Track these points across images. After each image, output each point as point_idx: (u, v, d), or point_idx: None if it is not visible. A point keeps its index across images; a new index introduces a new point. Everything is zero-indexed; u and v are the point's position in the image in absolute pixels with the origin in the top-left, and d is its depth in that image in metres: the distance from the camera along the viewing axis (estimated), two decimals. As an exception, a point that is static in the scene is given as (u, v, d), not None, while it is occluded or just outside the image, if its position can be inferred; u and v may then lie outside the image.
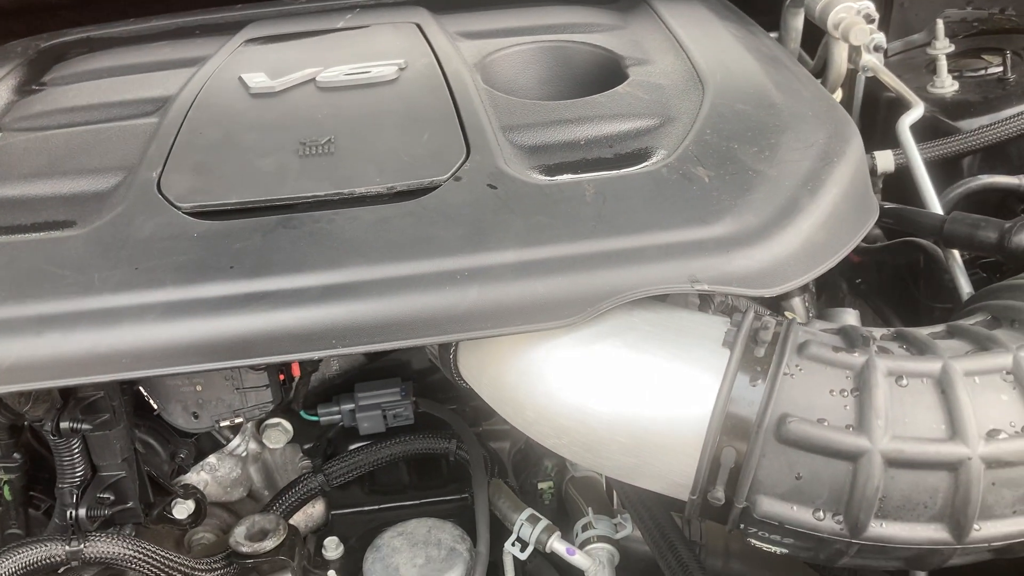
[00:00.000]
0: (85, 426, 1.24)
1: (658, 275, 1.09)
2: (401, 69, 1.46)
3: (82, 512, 1.28)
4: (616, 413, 1.08)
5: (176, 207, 1.20)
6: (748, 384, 1.03)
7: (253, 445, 1.56)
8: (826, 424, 1.00)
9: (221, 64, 1.54)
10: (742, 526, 1.06)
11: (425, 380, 1.59)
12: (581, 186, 1.19)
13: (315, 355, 1.09)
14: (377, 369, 1.59)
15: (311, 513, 1.57)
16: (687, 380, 1.06)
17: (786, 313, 1.48)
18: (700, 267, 1.09)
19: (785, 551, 1.08)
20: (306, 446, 1.60)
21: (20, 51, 1.79)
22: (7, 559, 1.23)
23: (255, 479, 1.60)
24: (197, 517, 1.45)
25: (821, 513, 1.01)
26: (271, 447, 1.55)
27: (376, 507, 1.57)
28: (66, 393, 1.27)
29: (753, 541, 1.09)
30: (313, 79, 1.44)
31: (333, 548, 1.45)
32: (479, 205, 1.17)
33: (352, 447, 1.55)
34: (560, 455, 1.20)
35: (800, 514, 1.02)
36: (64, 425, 1.23)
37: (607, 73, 1.50)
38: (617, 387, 1.08)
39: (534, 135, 1.31)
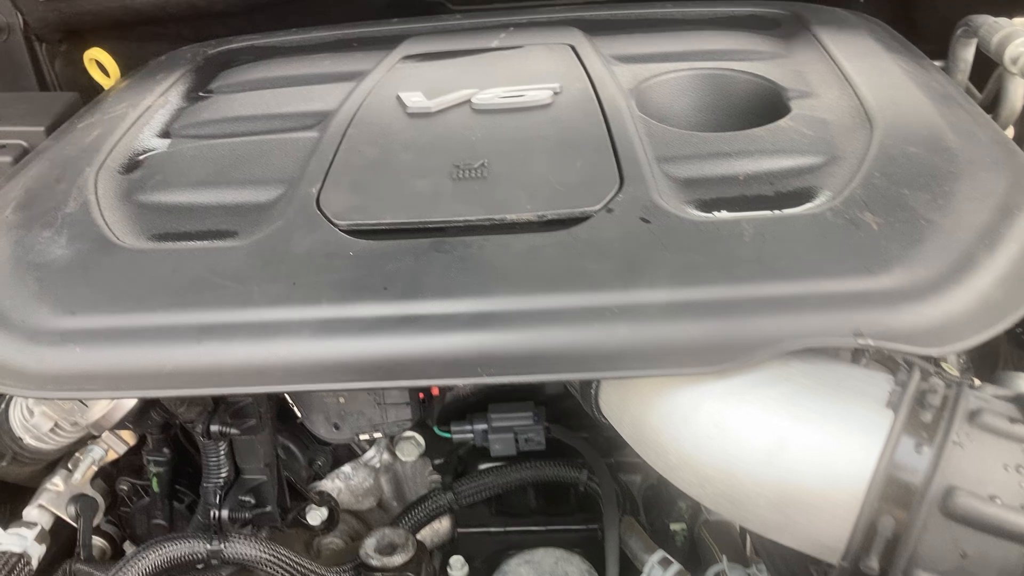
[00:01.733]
0: (233, 430, 1.29)
1: (819, 326, 1.04)
2: (556, 93, 1.45)
3: (224, 513, 1.33)
4: (766, 467, 1.03)
5: (334, 224, 1.22)
6: (913, 450, 0.97)
7: (386, 456, 1.59)
8: (999, 502, 0.93)
9: (379, 80, 1.57)
10: (895, 600, 1.00)
11: (559, 405, 1.57)
12: (740, 225, 1.15)
13: (460, 382, 1.10)
14: (511, 390, 1.59)
15: (438, 529, 1.58)
16: (846, 439, 1.01)
17: (942, 364, 1.40)
18: (865, 320, 1.04)
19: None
20: (437, 461, 1.61)
21: (189, 57, 1.87)
22: (154, 552, 1.29)
23: (385, 489, 1.62)
24: (330, 524, 1.48)
25: (987, 597, 0.94)
26: (403, 459, 1.57)
27: (502, 529, 1.56)
28: (217, 398, 1.31)
29: (905, 616, 1.03)
30: (468, 101, 1.45)
31: (459, 567, 1.46)
32: (631, 239, 1.14)
33: (482, 467, 1.56)
34: (701, 503, 1.16)
35: (963, 595, 0.95)
36: (214, 428, 1.28)
37: (768, 104, 1.45)
38: (769, 441, 1.04)
39: (691, 168, 1.27)
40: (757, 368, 1.05)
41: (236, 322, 1.11)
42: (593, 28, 1.76)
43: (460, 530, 1.58)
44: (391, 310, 1.10)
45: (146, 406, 1.30)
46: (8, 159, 1.72)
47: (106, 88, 2.03)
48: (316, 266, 1.16)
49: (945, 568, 0.95)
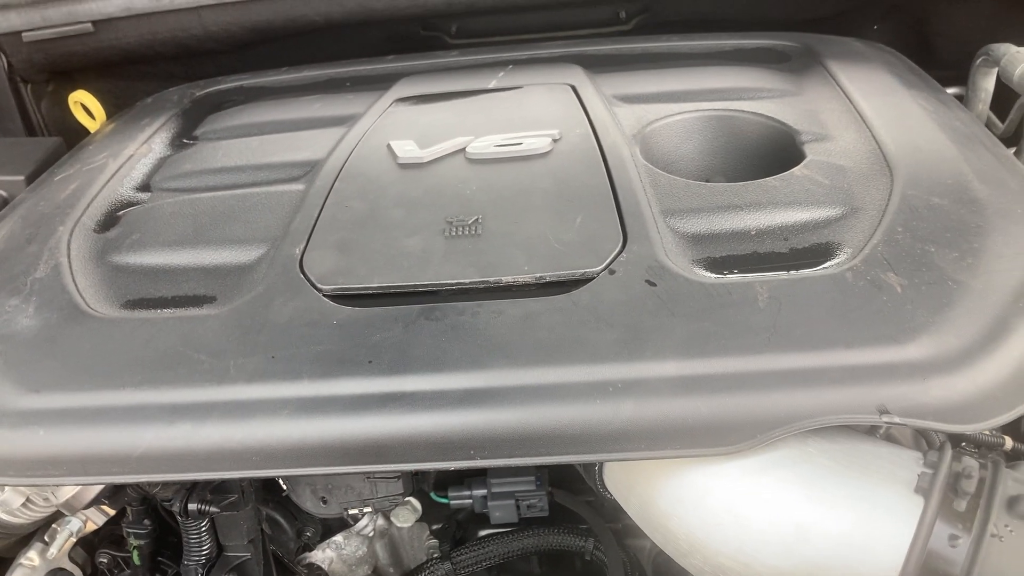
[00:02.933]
0: (213, 508, 1.20)
1: (841, 402, 0.95)
2: (555, 140, 1.37)
3: (210, 593, 1.24)
4: (786, 558, 0.95)
5: (317, 289, 1.14)
6: (947, 543, 0.89)
7: (381, 522, 1.50)
8: (1045, 604, 0.84)
9: (370, 127, 1.50)
10: None
11: (562, 469, 1.48)
12: (753, 288, 1.06)
13: (451, 465, 1.01)
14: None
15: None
16: (872, 529, 0.92)
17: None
18: (890, 395, 0.95)
19: None
20: (434, 527, 1.52)
21: (176, 100, 1.80)
22: (129, 639, 1.21)
23: (380, 556, 1.53)
24: (322, 596, 1.39)
25: None
26: (399, 525, 1.48)
27: (503, 602, 1.48)
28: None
29: None
30: (463, 150, 1.37)
31: (457, 642, 1.37)
32: (636, 304, 1.06)
33: (482, 533, 1.47)
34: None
35: None
36: (192, 507, 1.20)
37: (780, 149, 1.37)
38: (788, 528, 0.95)
39: (699, 223, 1.19)
40: (773, 448, 0.97)
41: (211, 401, 1.03)
42: (595, 64, 1.69)
43: (460, 600, 1.49)
44: (376, 387, 1.02)
45: (121, 485, 1.22)
46: (-16, 210, 1.65)
47: (92, 130, 1.97)
48: (297, 337, 1.08)
49: (986, 677, 0.86)
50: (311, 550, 1.44)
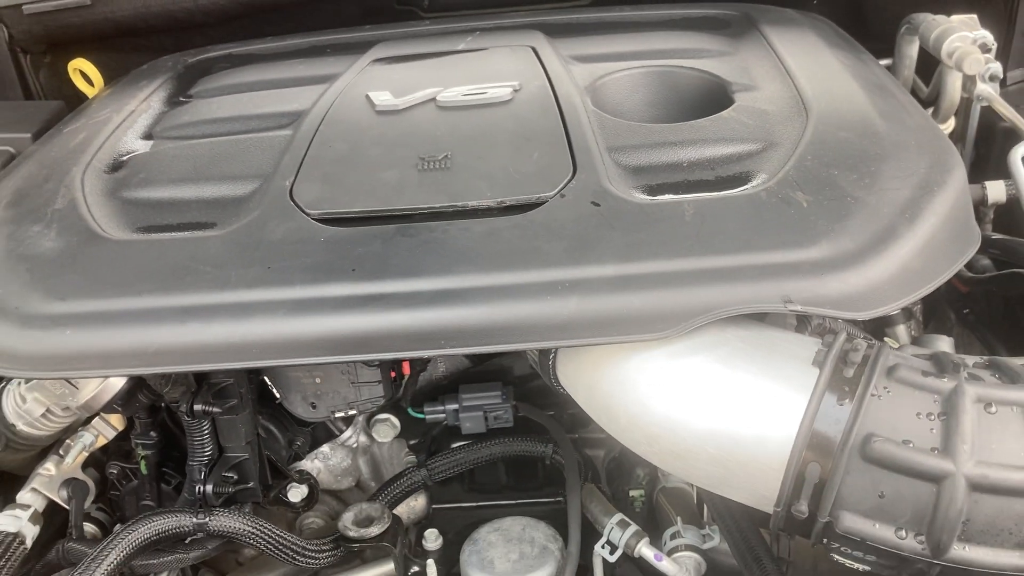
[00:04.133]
0: (215, 409, 1.37)
1: (752, 294, 1.14)
2: (515, 91, 1.55)
3: (209, 488, 1.41)
4: (706, 425, 1.13)
5: (306, 213, 1.31)
6: (835, 403, 1.07)
7: (363, 438, 1.67)
8: (911, 446, 1.02)
9: (350, 82, 1.66)
10: (825, 540, 1.10)
11: (525, 386, 1.66)
12: (681, 206, 1.24)
13: (425, 354, 1.18)
14: (480, 373, 1.68)
15: (413, 506, 1.66)
16: (775, 396, 1.10)
17: (887, 340, 1.49)
18: (794, 288, 1.13)
19: (868, 568, 1.11)
20: (411, 442, 1.69)
21: (170, 65, 1.95)
22: (143, 526, 1.37)
23: (363, 470, 1.70)
24: (309, 502, 1.56)
25: (903, 532, 1.03)
26: (380, 441, 1.65)
27: (474, 504, 1.65)
28: (200, 379, 1.39)
29: (836, 557, 1.12)
30: (434, 99, 1.54)
31: (433, 539, 1.54)
32: (582, 221, 1.24)
33: (454, 445, 1.64)
34: (651, 462, 1.25)
35: (882, 532, 1.04)
36: (197, 408, 1.36)
37: (713, 98, 1.55)
38: (707, 400, 1.13)
39: (638, 156, 1.37)
40: (695, 335, 1.15)
41: (216, 303, 1.19)
42: (555, 31, 1.86)
43: (435, 506, 1.66)
44: (359, 290, 1.19)
45: (133, 388, 1.38)
46: (-3, 164, 1.81)
47: (90, 96, 2.11)
48: (289, 251, 1.25)
49: (865, 508, 1.04)
50: (300, 459, 1.60)
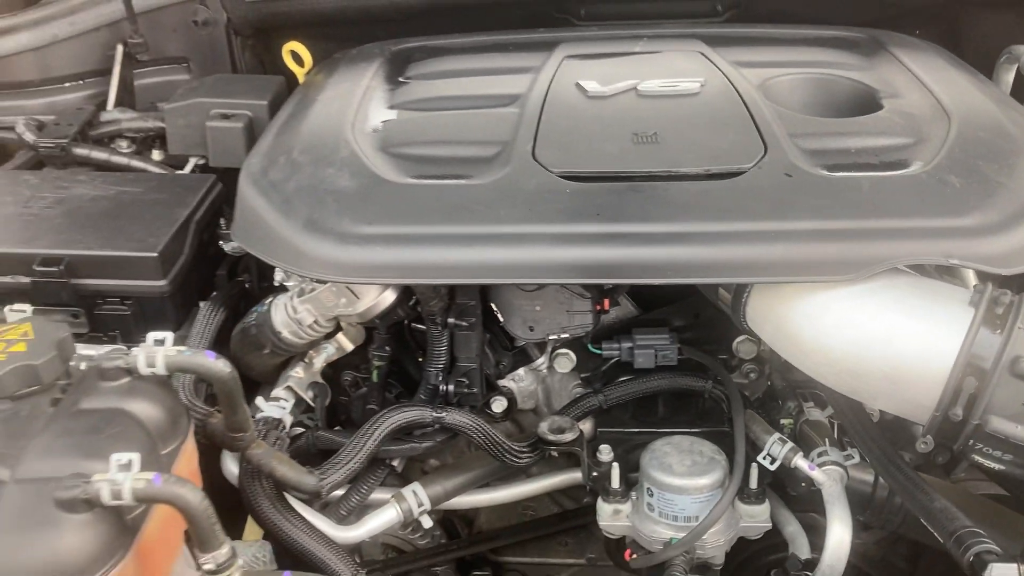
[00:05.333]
0: (463, 323, 1.70)
1: (920, 250, 1.46)
2: (702, 85, 1.87)
3: (451, 387, 1.74)
4: (881, 349, 1.44)
5: (550, 171, 1.63)
6: (989, 332, 1.38)
7: (543, 371, 1.99)
8: (1050, 365, 1.34)
9: (555, 72, 1.99)
10: (971, 442, 1.41)
11: (681, 336, 1.97)
12: (858, 180, 1.57)
13: (656, 281, 1.51)
14: (644, 320, 2.00)
15: (584, 429, 1.97)
16: (940, 327, 1.42)
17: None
18: (953, 247, 1.46)
19: (1002, 467, 1.42)
20: (583, 375, 2.01)
21: (377, 52, 2.28)
22: (396, 414, 1.70)
23: (540, 398, 2.02)
24: (507, 414, 1.88)
25: (1040, 434, 1.35)
26: (558, 371, 1.97)
27: (636, 430, 1.96)
28: (451, 298, 1.72)
29: (976, 458, 1.43)
30: (635, 88, 1.87)
31: (606, 453, 1.85)
32: (779, 187, 1.56)
33: (621, 379, 1.96)
34: (824, 383, 1.56)
35: (1022, 432, 1.36)
36: (450, 320, 1.69)
37: (863, 102, 1.87)
38: (883, 329, 1.44)
39: (815, 142, 1.69)
40: (874, 279, 1.47)
41: (493, 233, 1.52)
42: (711, 42, 2.18)
43: (601, 430, 1.98)
44: (604, 229, 1.51)
45: (395, 304, 1.71)
46: (239, 125, 2.16)
47: (298, 75, 2.46)
48: (543, 198, 1.57)
49: (1010, 412, 1.36)
50: (502, 378, 1.93)
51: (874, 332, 1.45)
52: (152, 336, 1.40)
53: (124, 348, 1.41)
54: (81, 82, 2.48)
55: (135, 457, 1.22)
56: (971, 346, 1.38)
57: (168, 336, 1.40)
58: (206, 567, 1.27)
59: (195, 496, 1.22)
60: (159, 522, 1.34)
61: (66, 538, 1.19)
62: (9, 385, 1.35)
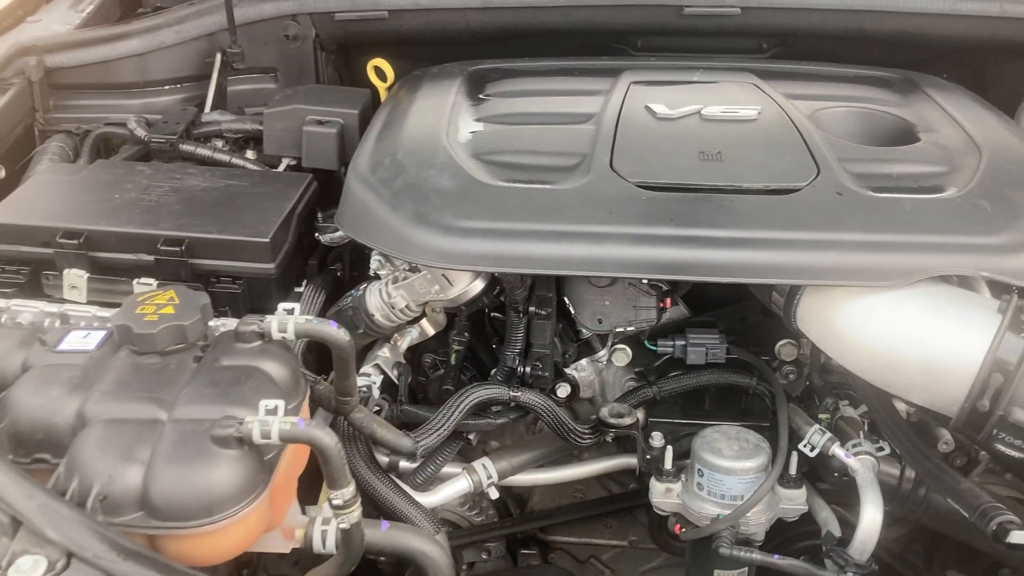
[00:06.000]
0: (542, 312, 1.91)
1: (956, 262, 1.67)
2: (759, 113, 2.10)
3: (528, 369, 1.95)
4: (918, 347, 1.64)
5: (627, 180, 1.85)
6: (1014, 336, 1.59)
7: (601, 363, 2.19)
8: (1068, 364, 1.55)
9: (624, 95, 2.21)
10: (995, 431, 1.61)
11: (727, 338, 2.17)
12: (901, 201, 1.78)
13: (723, 280, 1.72)
14: (695, 322, 2.20)
15: (638, 417, 2.18)
16: (970, 329, 1.62)
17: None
18: (984, 261, 1.67)
19: (1023, 456, 1.62)
20: (636, 369, 2.22)
21: (456, 71, 2.50)
22: (478, 391, 1.91)
23: (596, 388, 2.22)
24: (571, 399, 2.09)
25: (1059, 426, 1.55)
26: (615, 364, 2.17)
27: (684, 421, 2.16)
28: (532, 288, 1.94)
29: (998, 446, 1.63)
30: (699, 112, 2.09)
31: (659, 439, 2.05)
32: (831, 204, 1.78)
33: (672, 374, 2.16)
34: (863, 377, 1.76)
35: (1042, 423, 1.56)
36: (531, 309, 1.90)
37: (903, 134, 2.09)
38: (921, 330, 1.65)
39: (861, 167, 1.90)
40: (913, 286, 1.68)
41: (579, 231, 1.73)
42: (762, 75, 2.40)
43: (652, 420, 2.18)
44: (678, 232, 1.72)
45: (481, 294, 1.92)
46: (333, 131, 2.38)
47: (380, 90, 2.69)
48: (621, 204, 1.79)
49: (1032, 405, 1.57)
50: (567, 367, 2.13)
51: (912, 332, 1.66)
52: (282, 306, 1.60)
53: (257, 316, 1.61)
54: (178, 85, 2.71)
55: (280, 403, 1.42)
56: (998, 346, 1.59)
57: (295, 306, 1.60)
58: (335, 502, 1.47)
59: (332, 439, 1.42)
60: (284, 469, 1.54)
61: (220, 470, 1.39)
62: (161, 341, 1.56)
